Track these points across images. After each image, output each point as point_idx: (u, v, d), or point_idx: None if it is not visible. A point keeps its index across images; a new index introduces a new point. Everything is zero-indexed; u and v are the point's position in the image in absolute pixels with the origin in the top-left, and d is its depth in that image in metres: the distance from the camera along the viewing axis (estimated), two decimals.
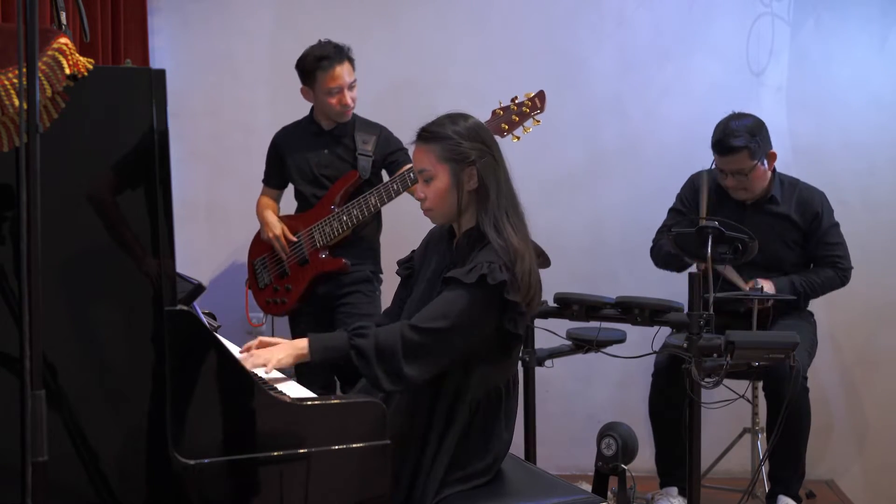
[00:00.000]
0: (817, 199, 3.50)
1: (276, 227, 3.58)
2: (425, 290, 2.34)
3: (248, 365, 2.10)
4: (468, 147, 2.25)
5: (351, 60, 3.49)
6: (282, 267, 3.61)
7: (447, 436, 2.21)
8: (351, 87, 3.49)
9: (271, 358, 2.15)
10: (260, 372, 2.14)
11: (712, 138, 3.41)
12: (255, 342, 2.31)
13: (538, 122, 3.37)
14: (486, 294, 2.15)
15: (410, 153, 2.44)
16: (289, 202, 3.77)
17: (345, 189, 3.52)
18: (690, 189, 3.59)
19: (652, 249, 3.64)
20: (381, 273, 3.67)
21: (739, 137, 3.33)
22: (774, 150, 3.44)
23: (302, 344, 2.18)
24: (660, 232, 3.63)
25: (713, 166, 3.47)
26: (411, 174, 3.33)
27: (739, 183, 3.40)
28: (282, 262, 3.60)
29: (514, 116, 3.34)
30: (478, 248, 2.24)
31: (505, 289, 2.15)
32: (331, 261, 3.54)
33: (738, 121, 3.38)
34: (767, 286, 3.31)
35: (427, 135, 2.29)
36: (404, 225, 3.55)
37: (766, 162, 3.40)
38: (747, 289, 3.27)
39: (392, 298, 2.56)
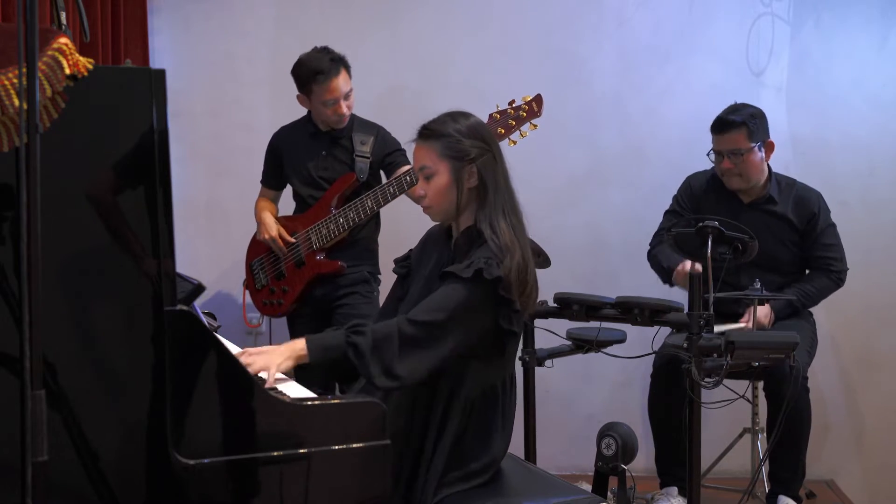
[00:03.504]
0: (814, 199, 3.50)
1: (273, 229, 3.56)
2: (423, 288, 2.34)
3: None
4: (469, 145, 2.26)
5: (347, 68, 3.45)
6: (279, 268, 3.60)
7: (444, 435, 2.21)
8: (347, 96, 3.45)
9: (271, 363, 2.09)
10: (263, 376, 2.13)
11: (711, 124, 3.43)
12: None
13: (535, 126, 3.32)
14: (483, 289, 2.15)
15: (409, 151, 2.43)
16: (287, 203, 3.77)
17: (342, 191, 3.51)
18: (687, 191, 3.59)
19: (649, 253, 3.64)
20: (379, 274, 3.66)
21: (738, 115, 3.35)
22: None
23: (300, 345, 2.13)
24: (657, 235, 3.62)
25: (710, 154, 3.45)
26: (408, 177, 3.32)
27: (735, 166, 3.38)
28: (279, 264, 3.59)
29: (510, 121, 3.29)
30: (476, 246, 2.24)
31: (500, 285, 2.15)
32: (327, 263, 3.53)
33: (739, 106, 3.42)
34: (764, 312, 3.33)
35: (428, 132, 2.30)
36: (403, 226, 3.55)
37: (763, 151, 3.40)
38: None
39: (386, 297, 2.56)
